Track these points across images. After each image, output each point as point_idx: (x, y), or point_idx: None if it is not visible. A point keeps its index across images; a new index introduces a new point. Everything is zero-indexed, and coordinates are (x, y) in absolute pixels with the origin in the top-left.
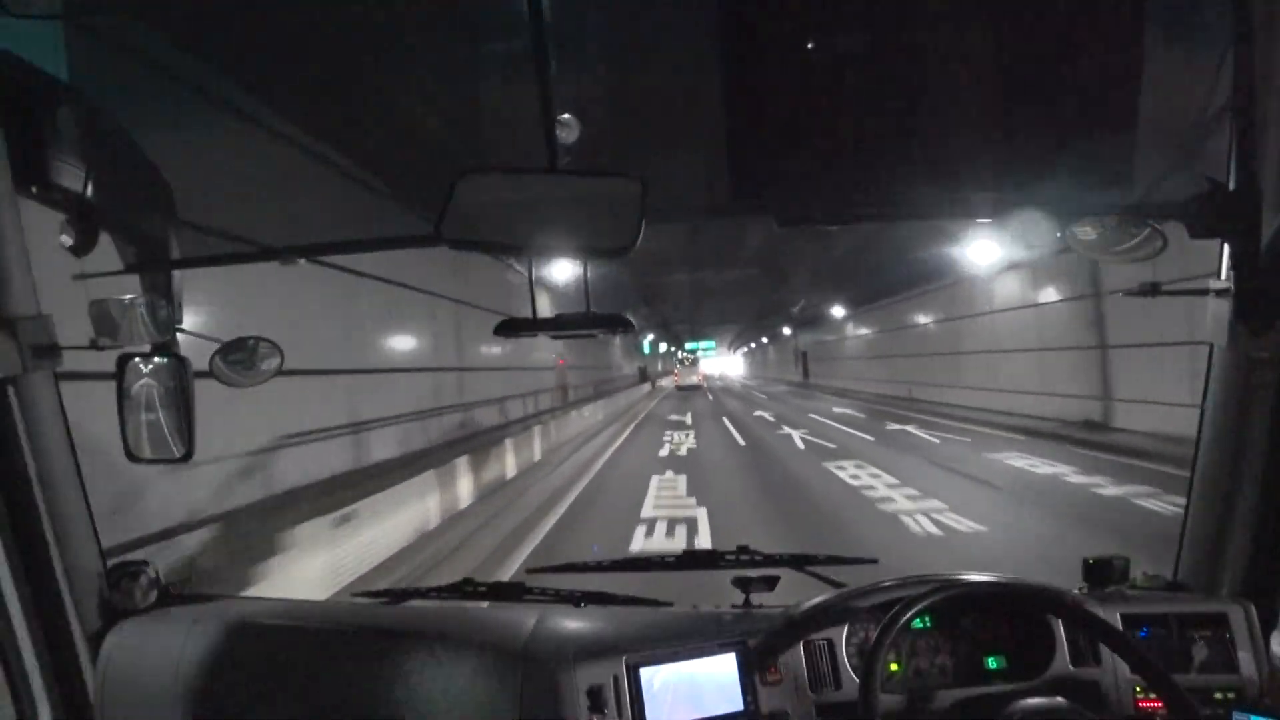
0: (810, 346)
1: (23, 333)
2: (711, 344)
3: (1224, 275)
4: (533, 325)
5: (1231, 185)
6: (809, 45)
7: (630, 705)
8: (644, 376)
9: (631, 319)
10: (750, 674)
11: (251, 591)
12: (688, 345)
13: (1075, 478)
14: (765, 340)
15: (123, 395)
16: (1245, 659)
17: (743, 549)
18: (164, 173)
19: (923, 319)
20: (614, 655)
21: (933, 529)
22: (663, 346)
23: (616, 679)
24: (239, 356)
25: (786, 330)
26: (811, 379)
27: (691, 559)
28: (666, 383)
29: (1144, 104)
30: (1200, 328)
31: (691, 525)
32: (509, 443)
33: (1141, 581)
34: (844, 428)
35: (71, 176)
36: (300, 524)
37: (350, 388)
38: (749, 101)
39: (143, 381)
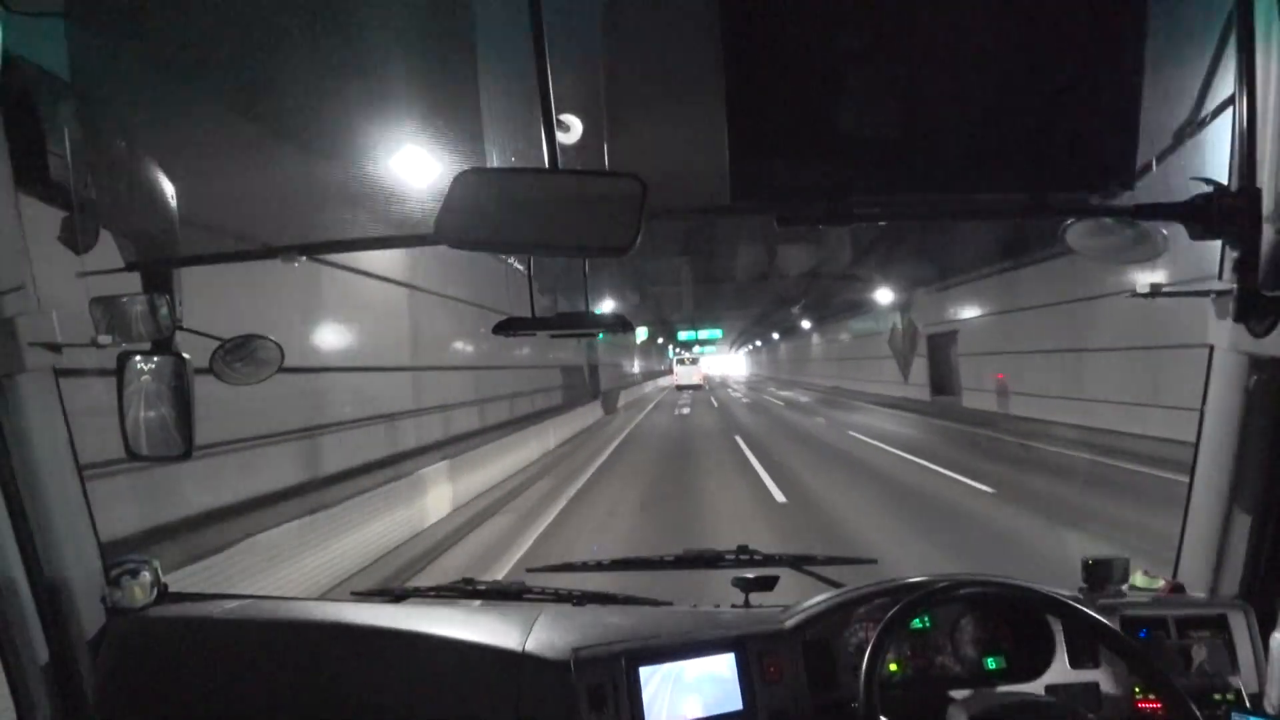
0: (961, 328)
1: (23, 330)
2: (717, 334)
3: (1224, 276)
4: (531, 324)
5: (1231, 185)
6: (810, 44)
7: (629, 704)
8: (588, 385)
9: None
10: (749, 673)
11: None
12: (683, 335)
13: None
14: (806, 324)
15: (123, 392)
16: (1244, 661)
17: (742, 549)
18: (164, 170)
19: None
20: (613, 654)
21: None
22: (643, 333)
23: (615, 678)
24: (240, 354)
25: (883, 296)
26: (966, 398)
27: (691, 559)
28: (662, 385)
29: (1144, 104)
30: None
31: None
32: None
33: (1141, 583)
34: None
35: (72, 174)
36: None
37: None
38: (749, 100)
39: (143, 379)
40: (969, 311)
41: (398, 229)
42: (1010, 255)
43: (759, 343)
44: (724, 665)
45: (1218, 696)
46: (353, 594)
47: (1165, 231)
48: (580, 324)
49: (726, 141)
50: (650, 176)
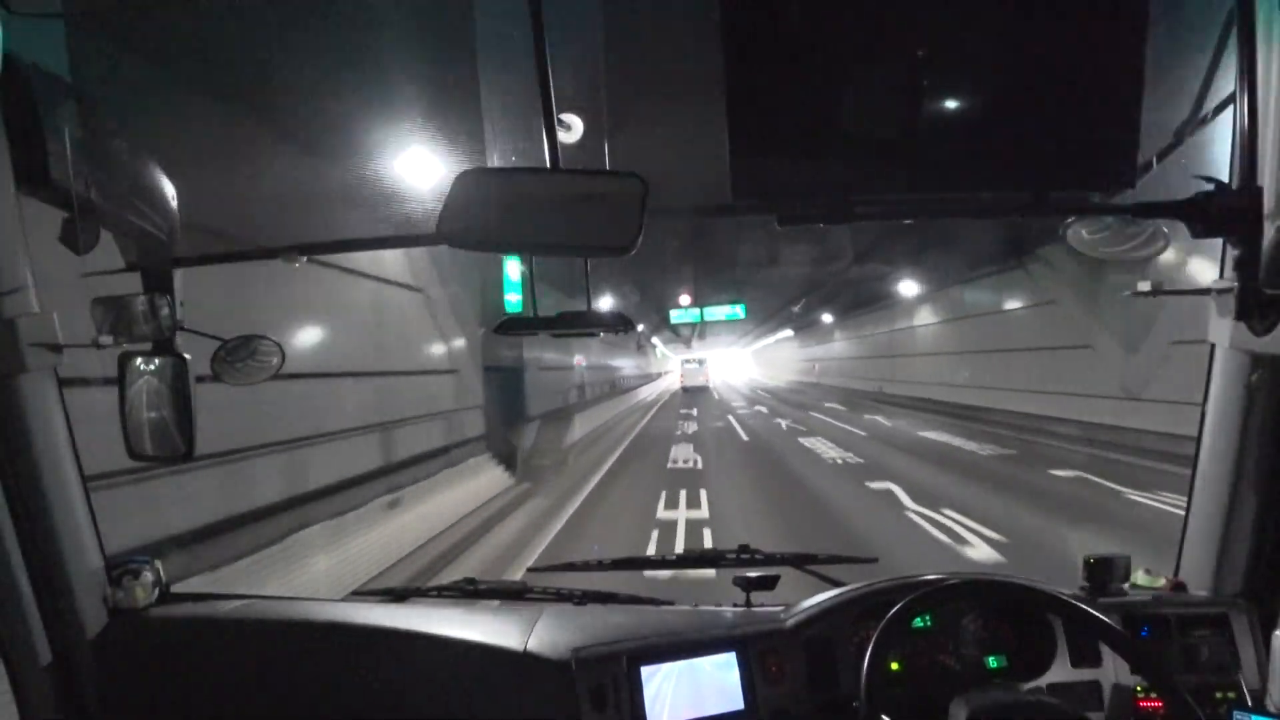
0: None
1: (24, 331)
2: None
3: (1225, 274)
4: (533, 323)
5: (1233, 183)
6: (811, 43)
7: (630, 704)
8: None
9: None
10: (750, 673)
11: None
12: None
13: None
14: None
15: (124, 393)
16: (1246, 659)
17: (743, 548)
18: (165, 170)
19: None
20: (615, 654)
21: None
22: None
23: (617, 677)
24: (240, 355)
25: None
26: None
27: (692, 558)
28: (664, 388)
29: (1144, 104)
30: None
31: None
32: None
33: (1143, 581)
34: None
35: (73, 175)
36: None
37: None
38: (750, 98)
39: (143, 379)
40: None
41: (398, 229)
42: None
43: (790, 331)
44: (725, 664)
45: (1219, 694)
46: (354, 594)
47: (1166, 230)
48: (581, 323)
49: (727, 140)
50: (651, 175)
